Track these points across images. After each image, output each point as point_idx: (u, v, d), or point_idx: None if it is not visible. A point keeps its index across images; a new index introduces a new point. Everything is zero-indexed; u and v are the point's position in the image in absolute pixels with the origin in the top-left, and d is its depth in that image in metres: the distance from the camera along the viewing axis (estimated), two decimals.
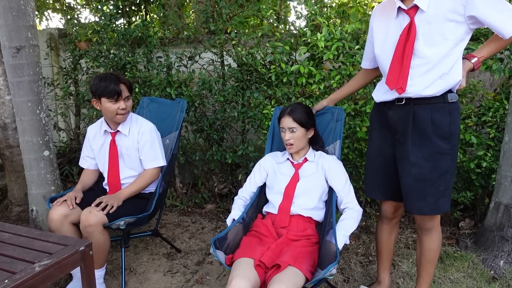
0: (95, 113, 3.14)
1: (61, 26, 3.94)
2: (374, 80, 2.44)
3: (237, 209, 1.84)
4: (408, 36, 1.52)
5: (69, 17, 3.52)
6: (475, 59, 1.55)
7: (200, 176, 3.30)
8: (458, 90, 1.59)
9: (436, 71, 1.51)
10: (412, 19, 1.51)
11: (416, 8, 1.50)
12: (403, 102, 1.60)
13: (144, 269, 2.31)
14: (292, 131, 1.77)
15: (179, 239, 2.68)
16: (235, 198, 1.93)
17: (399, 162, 1.65)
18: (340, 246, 1.52)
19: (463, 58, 1.56)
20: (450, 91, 1.56)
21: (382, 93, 1.68)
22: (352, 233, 2.59)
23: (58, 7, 3.93)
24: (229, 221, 1.78)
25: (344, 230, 1.60)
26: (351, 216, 1.69)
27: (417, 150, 1.58)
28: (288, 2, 2.87)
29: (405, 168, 1.61)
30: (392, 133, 1.69)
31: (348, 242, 1.62)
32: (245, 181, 1.98)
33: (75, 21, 3.26)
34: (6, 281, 1.30)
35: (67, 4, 3.82)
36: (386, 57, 1.62)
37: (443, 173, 1.58)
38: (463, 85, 1.56)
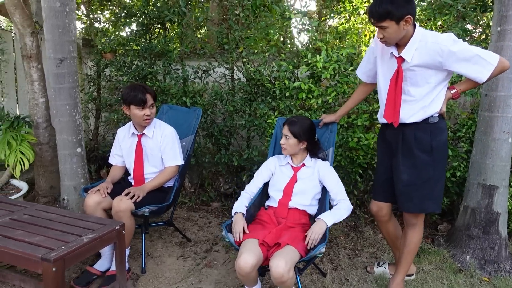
0: (116, 116, 3.51)
1: (84, 35, 4.30)
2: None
3: (241, 202, 2.14)
4: (396, 81, 1.89)
5: (95, 28, 3.90)
6: (454, 90, 1.91)
7: (207, 177, 3.66)
8: (439, 113, 1.92)
9: (418, 105, 1.88)
10: (400, 66, 1.86)
11: (402, 58, 1.84)
12: None
13: (159, 254, 2.65)
14: (287, 138, 2.14)
15: (189, 230, 3.03)
16: (242, 192, 2.26)
17: (394, 170, 2.04)
18: (330, 223, 1.88)
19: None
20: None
21: (380, 117, 2.07)
22: (342, 232, 2.97)
23: (81, 16, 4.29)
24: (233, 212, 2.08)
25: (336, 215, 1.95)
26: (343, 207, 2.04)
27: (405, 161, 1.96)
28: (291, 28, 3.26)
29: (397, 175, 2.00)
30: (389, 147, 2.07)
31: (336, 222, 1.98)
32: (248, 182, 2.33)
33: (102, 34, 3.65)
34: (63, 247, 1.65)
35: (94, 18, 4.21)
36: (383, 91, 1.98)
37: (426, 180, 1.92)
38: (443, 110, 1.92)
